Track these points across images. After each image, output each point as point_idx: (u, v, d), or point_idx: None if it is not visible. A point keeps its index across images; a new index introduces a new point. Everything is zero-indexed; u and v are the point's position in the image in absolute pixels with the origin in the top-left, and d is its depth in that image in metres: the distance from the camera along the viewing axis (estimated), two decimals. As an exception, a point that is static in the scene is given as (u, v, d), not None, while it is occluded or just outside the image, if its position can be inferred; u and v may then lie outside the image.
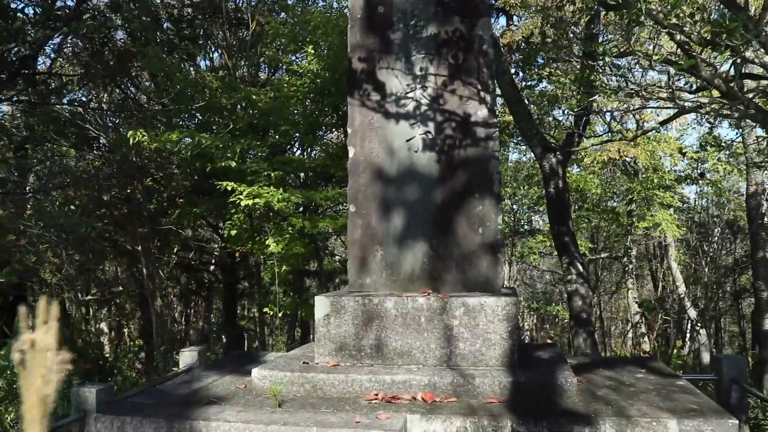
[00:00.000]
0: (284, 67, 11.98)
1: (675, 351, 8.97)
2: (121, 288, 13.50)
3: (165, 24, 14.25)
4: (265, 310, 11.01)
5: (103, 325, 18.09)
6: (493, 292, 5.30)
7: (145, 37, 13.43)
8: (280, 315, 10.86)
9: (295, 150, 12.64)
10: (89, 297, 12.06)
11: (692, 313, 22.67)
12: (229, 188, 8.91)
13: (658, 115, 18.32)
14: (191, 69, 11.34)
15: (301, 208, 10.90)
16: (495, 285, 5.38)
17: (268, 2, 13.30)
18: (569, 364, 5.11)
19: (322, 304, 5.18)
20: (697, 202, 30.97)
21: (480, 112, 5.51)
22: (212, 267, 16.03)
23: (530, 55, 7.50)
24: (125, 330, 17.40)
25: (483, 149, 5.48)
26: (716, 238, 32.23)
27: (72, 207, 11.80)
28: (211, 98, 10.79)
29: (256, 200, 8.76)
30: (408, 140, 5.56)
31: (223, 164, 9.09)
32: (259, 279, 13.82)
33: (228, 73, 12.10)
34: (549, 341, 11.61)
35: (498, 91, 9.32)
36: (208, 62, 14.87)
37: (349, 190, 5.70)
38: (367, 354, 5.07)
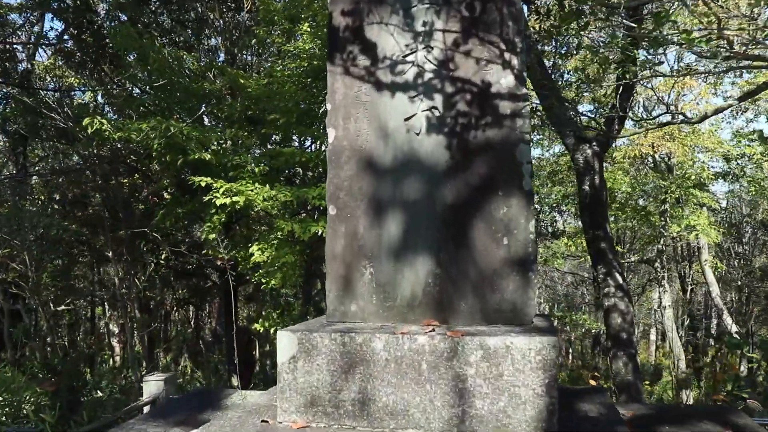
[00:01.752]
0: (276, 48, 10.58)
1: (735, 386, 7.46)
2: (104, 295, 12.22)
3: (154, 5, 12.95)
4: (256, 326, 9.61)
5: (113, 326, 16.88)
6: (523, 326, 3.87)
7: (129, 17, 12.17)
8: (272, 331, 9.49)
9: (290, 143, 11.27)
10: (63, 307, 10.74)
11: (729, 323, 21.04)
12: (203, 185, 7.53)
13: (698, 104, 16.73)
14: (165, 47, 9.95)
15: (294, 209, 9.47)
16: (525, 316, 3.95)
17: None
18: (623, 419, 3.66)
19: (286, 343, 3.78)
20: (729, 201, 29.27)
21: (504, 81, 4.07)
22: (209, 270, 14.72)
23: (566, 18, 6.05)
24: (123, 337, 16.21)
25: (508, 130, 4.05)
26: (749, 239, 30.44)
27: (53, 204, 10.54)
28: (191, 83, 9.46)
29: (235, 198, 7.36)
30: (407, 119, 4.15)
31: (196, 157, 7.71)
32: (258, 284, 12.46)
33: (215, 58, 10.81)
34: (593, 383, 10.07)
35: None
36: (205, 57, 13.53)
37: (328, 186, 4.29)
38: (347, 412, 3.66)
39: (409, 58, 4.18)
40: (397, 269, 4.11)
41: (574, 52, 8.39)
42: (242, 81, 9.33)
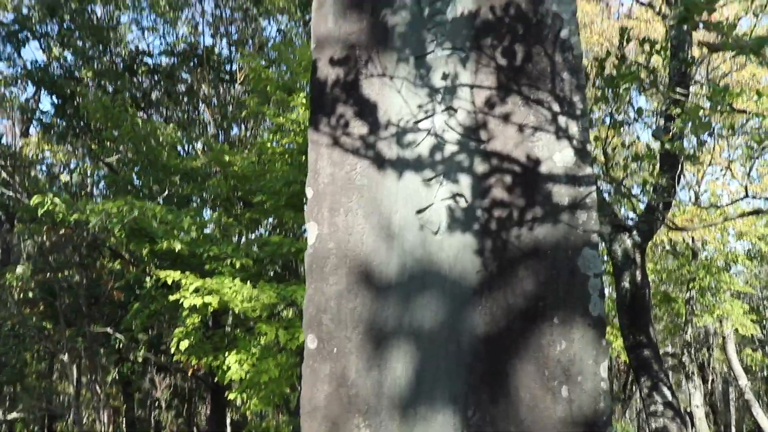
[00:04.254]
0: (268, 121, 9.51)
1: None
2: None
3: (140, 77, 12.01)
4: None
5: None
6: None
7: (114, 87, 11.24)
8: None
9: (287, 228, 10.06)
10: (16, 414, 9.27)
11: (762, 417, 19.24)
12: (170, 281, 6.25)
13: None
14: (141, 118, 8.87)
15: (278, 311, 8.05)
16: None
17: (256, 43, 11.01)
18: None
19: None
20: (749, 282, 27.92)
21: (559, 156, 2.85)
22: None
23: (617, 79, 4.93)
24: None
25: (567, 227, 2.80)
26: (772, 324, 28.86)
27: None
28: (170, 158, 8.32)
29: (208, 299, 6.05)
30: (420, 211, 2.90)
31: (164, 246, 6.46)
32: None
33: (202, 131, 9.73)
34: None
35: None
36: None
37: (306, 307, 2.99)
38: None
39: (423, 125, 2.96)
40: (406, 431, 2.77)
41: (629, 119, 7.27)
42: (228, 158, 8.18)
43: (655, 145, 7.44)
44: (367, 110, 3.02)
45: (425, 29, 3.01)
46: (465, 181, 2.88)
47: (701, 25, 2.18)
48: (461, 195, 2.88)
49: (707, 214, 11.08)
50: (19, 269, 9.46)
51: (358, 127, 3.01)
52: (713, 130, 7.48)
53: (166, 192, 8.41)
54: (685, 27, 5.77)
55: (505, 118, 2.91)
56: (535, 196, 2.84)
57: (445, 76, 2.96)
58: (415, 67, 3.00)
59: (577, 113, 2.90)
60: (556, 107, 2.90)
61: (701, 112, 4.66)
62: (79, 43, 11.43)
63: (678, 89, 6.37)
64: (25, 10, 11.45)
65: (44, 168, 13.29)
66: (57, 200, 6.56)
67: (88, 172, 11.15)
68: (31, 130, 15.14)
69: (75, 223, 7.07)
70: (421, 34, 3.02)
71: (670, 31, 6.48)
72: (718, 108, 4.30)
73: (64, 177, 11.74)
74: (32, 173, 11.07)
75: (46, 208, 6.42)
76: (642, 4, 6.90)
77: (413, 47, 3.02)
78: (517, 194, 2.85)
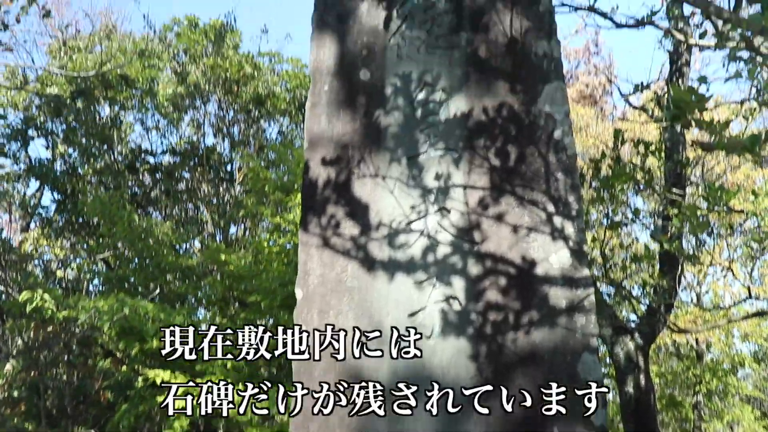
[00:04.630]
0: (265, 221, 9.51)
1: None
2: None
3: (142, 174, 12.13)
4: None
5: None
6: None
7: (115, 184, 11.32)
8: None
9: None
10: None
11: None
12: (158, 381, 6.07)
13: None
14: (138, 216, 8.86)
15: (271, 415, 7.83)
16: None
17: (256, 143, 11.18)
18: None
19: None
20: (759, 386, 27.24)
21: (555, 257, 2.79)
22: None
23: (613, 180, 4.88)
24: None
25: (564, 331, 2.70)
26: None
27: None
28: (166, 256, 8.27)
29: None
30: (413, 314, 2.79)
31: (155, 345, 6.32)
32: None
33: (198, 230, 9.73)
34: None
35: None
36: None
37: (292, 419, 2.84)
38: None
39: (415, 226, 2.90)
40: None
41: (627, 219, 7.24)
42: (224, 257, 8.12)
43: (654, 246, 7.40)
44: (358, 211, 2.96)
45: (418, 130, 3.01)
46: (458, 284, 2.80)
47: (693, 124, 2.16)
48: (455, 298, 2.78)
49: (710, 315, 10.90)
50: (8, 366, 9.24)
51: (350, 228, 2.95)
52: (712, 229, 7.45)
53: (161, 290, 8.29)
54: (678, 128, 5.84)
55: (499, 218, 2.85)
56: (532, 298, 2.75)
57: (438, 177, 2.93)
58: (408, 167, 2.97)
59: (572, 214, 2.85)
60: (551, 208, 2.86)
61: (699, 212, 4.63)
62: (83, 140, 11.61)
63: (674, 189, 6.40)
64: (34, 110, 11.71)
65: (42, 263, 13.24)
66: (47, 296, 6.45)
67: (85, 268, 11.09)
68: (32, 224, 15.21)
69: (65, 320, 6.94)
70: (413, 135, 3.01)
71: (664, 133, 6.57)
72: (716, 207, 4.28)
73: (60, 272, 11.68)
74: (29, 268, 10.99)
75: (35, 304, 6.30)
76: (635, 107, 7.03)
77: (406, 147, 3.00)
78: (512, 297, 2.76)
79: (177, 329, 2.92)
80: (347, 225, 2.96)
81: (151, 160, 12.19)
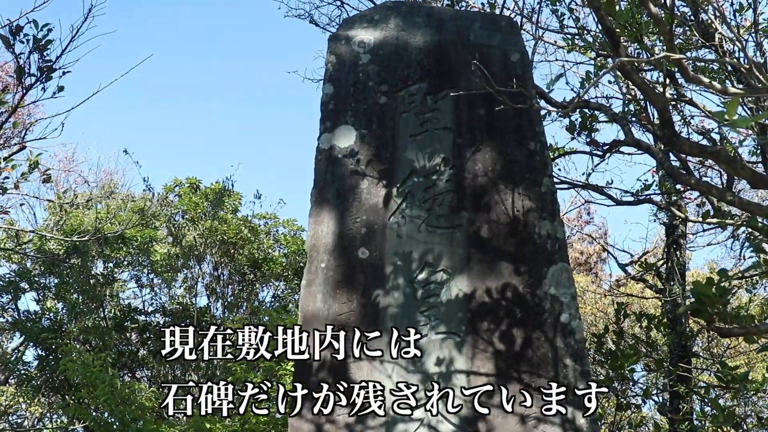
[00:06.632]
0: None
1: None
2: None
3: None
4: None
5: None
6: None
7: (102, 343, 11.01)
8: None
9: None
10: None
11: None
12: None
13: None
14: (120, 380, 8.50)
15: None
16: None
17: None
18: None
19: None
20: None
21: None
22: None
23: (621, 360, 4.72)
24: None
25: None
26: None
27: None
28: (146, 423, 7.84)
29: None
30: None
31: None
32: None
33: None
34: None
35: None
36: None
37: None
38: None
39: (416, 414, 2.70)
40: None
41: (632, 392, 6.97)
42: (209, 426, 7.71)
43: (662, 420, 7.08)
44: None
45: (418, 311, 2.88)
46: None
47: (717, 318, 2.06)
48: (459, 497, 2.54)
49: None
50: None
51: (343, 415, 2.74)
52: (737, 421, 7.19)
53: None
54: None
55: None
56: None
57: (439, 362, 2.78)
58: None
59: (584, 403, 2.66)
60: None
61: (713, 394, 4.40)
62: (74, 296, 11.44)
63: (680, 364, 6.18)
64: (28, 263, 11.64)
65: (16, 420, 12.67)
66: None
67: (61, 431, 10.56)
68: (11, 379, 14.67)
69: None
70: (414, 316, 2.89)
71: (665, 306, 6.47)
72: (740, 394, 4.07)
73: (35, 432, 11.13)
74: (1, 425, 10.44)
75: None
76: (634, 278, 6.98)
77: (406, 329, 2.85)
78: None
79: (177, 329, 2.95)
80: (341, 412, 2.76)
81: (141, 318, 11.96)
